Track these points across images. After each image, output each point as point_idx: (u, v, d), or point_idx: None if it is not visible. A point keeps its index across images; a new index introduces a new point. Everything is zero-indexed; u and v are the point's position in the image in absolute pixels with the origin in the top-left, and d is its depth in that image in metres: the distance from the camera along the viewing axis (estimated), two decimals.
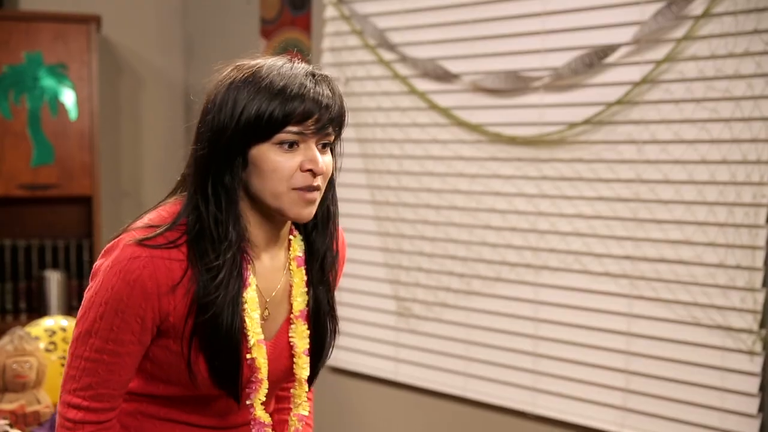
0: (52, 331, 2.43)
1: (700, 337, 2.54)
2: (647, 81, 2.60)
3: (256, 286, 1.42)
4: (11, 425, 1.94)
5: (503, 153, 2.98)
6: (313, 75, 1.37)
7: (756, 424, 2.44)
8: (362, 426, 3.51)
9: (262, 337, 1.42)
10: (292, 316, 1.48)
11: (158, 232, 1.36)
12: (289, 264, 1.48)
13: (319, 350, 1.51)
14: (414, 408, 3.25)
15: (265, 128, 1.33)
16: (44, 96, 3.68)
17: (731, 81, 2.45)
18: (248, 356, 1.41)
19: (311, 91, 1.34)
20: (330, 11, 3.45)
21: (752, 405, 2.45)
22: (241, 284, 1.39)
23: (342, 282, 1.67)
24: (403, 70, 3.23)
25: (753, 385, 2.44)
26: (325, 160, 1.38)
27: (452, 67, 3.09)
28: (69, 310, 3.70)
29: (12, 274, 3.76)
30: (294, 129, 1.34)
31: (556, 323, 2.87)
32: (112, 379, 1.38)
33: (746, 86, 2.43)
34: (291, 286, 1.48)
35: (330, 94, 1.37)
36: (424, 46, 3.18)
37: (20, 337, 2.17)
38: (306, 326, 1.48)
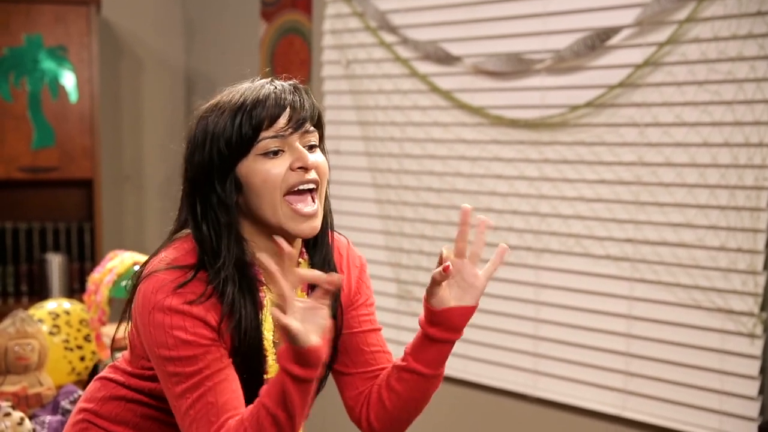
0: (55, 314, 2.43)
1: (700, 320, 2.55)
2: (649, 63, 2.59)
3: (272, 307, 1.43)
4: (13, 407, 1.95)
5: (505, 136, 2.97)
6: (272, 81, 1.40)
7: (756, 406, 2.45)
8: None
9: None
10: None
11: (184, 281, 1.37)
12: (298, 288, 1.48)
13: (325, 367, 1.50)
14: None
15: (240, 142, 1.35)
16: (44, 78, 3.67)
17: (734, 63, 2.44)
18: (266, 377, 1.43)
19: (272, 95, 1.37)
20: None
21: (752, 387, 2.45)
22: (257, 306, 1.40)
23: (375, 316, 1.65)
24: (404, 52, 3.22)
25: (753, 367, 2.45)
26: (316, 158, 1.39)
27: (453, 49, 3.08)
28: (70, 293, 3.70)
29: (13, 257, 3.76)
30: (269, 134, 1.36)
31: (557, 306, 2.87)
32: (227, 402, 1.37)
33: (749, 68, 2.42)
34: None
35: (293, 91, 1.39)
36: (425, 28, 3.17)
37: (22, 319, 2.17)
38: None
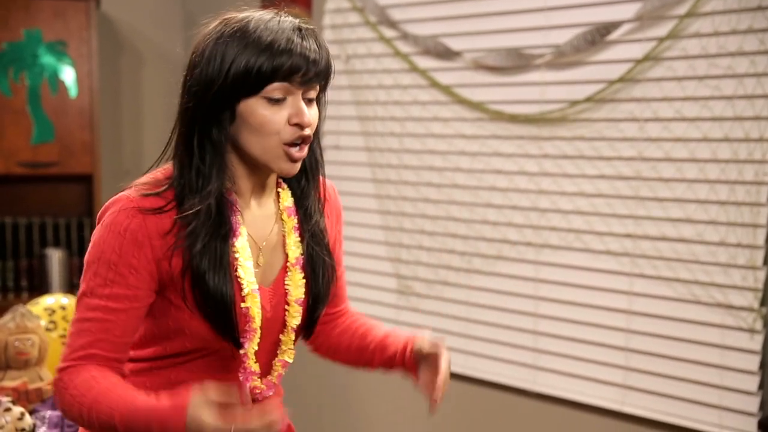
0: (51, 310, 2.43)
1: (700, 315, 2.55)
2: (649, 58, 2.59)
3: (248, 234, 1.45)
4: (14, 402, 1.95)
5: (504, 131, 2.97)
6: (300, 29, 1.39)
7: (756, 401, 2.45)
8: (362, 404, 3.52)
9: (255, 286, 1.44)
10: (288, 264, 1.49)
11: (147, 189, 1.39)
12: (281, 214, 1.50)
13: (315, 298, 1.51)
14: (412, 387, 3.26)
15: (253, 82, 1.35)
16: (44, 73, 3.67)
17: (734, 58, 2.44)
18: (242, 305, 1.42)
19: (298, 46, 1.36)
20: None
21: (752, 383, 2.45)
22: (229, 231, 1.40)
23: (343, 260, 1.68)
24: (404, 47, 3.22)
25: (753, 362, 2.45)
26: (311, 113, 1.40)
27: (453, 44, 3.07)
28: (70, 288, 3.70)
29: (13, 252, 3.76)
30: (280, 84, 1.36)
31: (556, 301, 2.87)
32: (106, 340, 1.37)
33: (749, 63, 2.41)
34: (284, 235, 1.49)
35: (317, 49, 1.39)
36: (425, 23, 3.17)
37: (22, 314, 2.17)
38: (302, 275, 1.49)
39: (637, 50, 2.62)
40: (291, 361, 1.53)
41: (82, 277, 1.40)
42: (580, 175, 2.79)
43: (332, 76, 1.44)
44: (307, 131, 1.40)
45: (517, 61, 2.89)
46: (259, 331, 1.45)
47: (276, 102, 1.37)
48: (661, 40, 2.56)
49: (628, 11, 2.62)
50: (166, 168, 1.45)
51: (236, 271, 1.41)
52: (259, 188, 1.48)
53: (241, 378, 1.47)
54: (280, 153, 1.39)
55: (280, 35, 1.35)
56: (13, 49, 3.64)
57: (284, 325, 1.50)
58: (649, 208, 2.64)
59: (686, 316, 2.58)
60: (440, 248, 3.18)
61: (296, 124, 1.38)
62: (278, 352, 1.52)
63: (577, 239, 2.81)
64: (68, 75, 3.69)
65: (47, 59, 3.67)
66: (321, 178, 1.56)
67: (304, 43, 1.37)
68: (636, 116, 2.64)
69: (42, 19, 3.67)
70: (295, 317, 1.49)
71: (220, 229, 1.39)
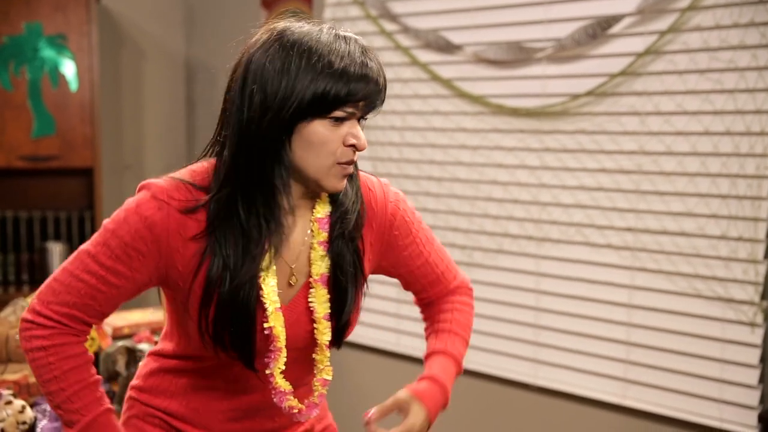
0: None
1: (701, 308, 2.55)
2: (651, 52, 2.58)
3: (277, 252, 1.40)
4: (15, 395, 1.95)
5: (505, 124, 2.96)
6: (365, 52, 1.37)
7: (756, 395, 2.45)
8: (364, 396, 3.52)
9: (278, 305, 1.40)
10: (311, 280, 1.45)
11: (184, 187, 1.37)
12: (312, 226, 1.45)
13: (339, 314, 1.48)
14: (415, 378, 3.26)
15: (326, 106, 1.33)
16: (44, 67, 3.66)
17: (735, 52, 2.44)
18: (266, 325, 1.39)
19: (371, 72, 1.35)
20: None
21: (753, 376, 2.45)
22: (262, 251, 1.38)
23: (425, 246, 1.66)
24: (405, 41, 3.21)
25: (754, 356, 2.45)
26: (365, 138, 1.40)
27: (454, 38, 3.07)
28: None
29: (14, 246, 3.76)
30: (348, 108, 1.35)
31: (557, 295, 2.87)
32: (91, 306, 1.39)
33: (751, 57, 2.41)
34: (311, 248, 1.45)
35: (383, 74, 1.38)
36: (426, 16, 3.16)
37: (23, 307, 2.17)
38: (326, 290, 1.46)
39: (639, 44, 2.61)
40: (329, 378, 1.50)
41: (94, 235, 1.41)
42: (581, 168, 2.79)
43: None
44: (359, 152, 1.40)
45: (518, 55, 2.89)
46: (284, 351, 1.42)
47: (338, 121, 1.35)
48: (662, 33, 2.56)
49: (629, 4, 2.62)
50: (205, 164, 1.42)
51: (260, 290, 1.39)
52: (301, 205, 1.44)
53: (275, 400, 1.45)
54: (335, 171, 1.38)
55: (352, 59, 1.34)
56: (14, 42, 3.63)
57: (315, 343, 1.47)
58: (650, 202, 2.64)
59: (687, 310, 2.58)
60: (441, 242, 3.16)
61: (352, 145, 1.38)
62: (315, 371, 1.50)
63: (578, 233, 2.80)
64: (69, 69, 3.68)
65: (48, 53, 3.66)
66: (367, 189, 1.53)
67: (374, 66, 1.36)
68: (637, 110, 2.64)
69: (42, 12, 3.66)
70: (325, 334, 1.46)
71: (250, 246, 1.37)
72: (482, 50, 2.98)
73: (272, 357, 1.41)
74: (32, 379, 2.13)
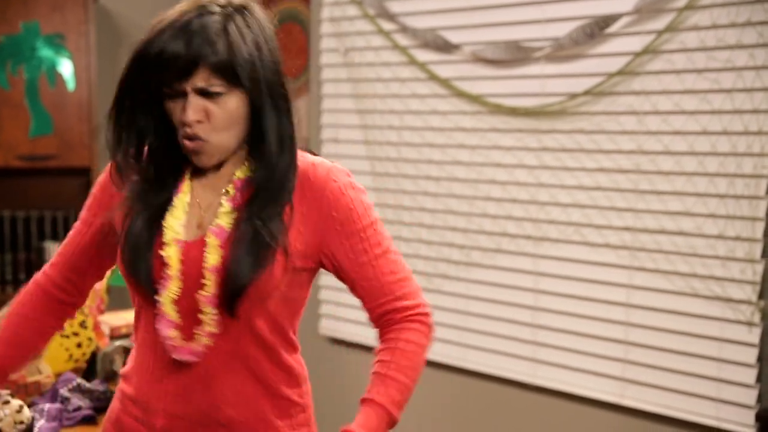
0: None
1: (699, 308, 2.55)
2: (648, 51, 2.59)
3: (193, 196, 1.49)
4: (12, 395, 1.95)
5: (504, 124, 2.97)
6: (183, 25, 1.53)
7: (754, 394, 2.45)
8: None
9: (178, 236, 1.45)
10: (209, 229, 1.46)
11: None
12: (228, 185, 1.49)
13: (229, 275, 1.44)
14: None
15: (153, 90, 1.47)
16: (42, 66, 3.66)
17: (733, 51, 2.44)
18: (160, 251, 1.44)
19: (166, 49, 1.49)
20: None
21: (750, 375, 2.46)
22: (170, 193, 1.49)
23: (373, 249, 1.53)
24: (402, 40, 3.21)
25: (751, 355, 2.45)
26: (193, 113, 1.40)
27: (452, 37, 3.07)
28: None
29: (11, 245, 3.76)
30: (168, 89, 1.43)
31: (555, 294, 2.87)
32: (63, 252, 1.63)
33: (748, 56, 2.41)
34: (220, 204, 1.47)
35: (183, 45, 1.46)
36: (424, 16, 3.16)
37: None
38: (219, 244, 1.44)
39: (636, 43, 2.61)
40: (214, 331, 1.46)
41: None
42: (579, 168, 2.79)
43: (236, 56, 1.46)
44: (196, 129, 1.41)
45: (516, 54, 2.89)
46: (177, 281, 1.44)
47: (178, 99, 1.46)
48: (659, 33, 2.56)
49: (626, 4, 2.62)
50: None
51: (162, 220, 1.47)
52: (231, 160, 1.49)
53: (157, 326, 1.46)
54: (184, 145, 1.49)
55: (156, 44, 1.62)
56: (11, 42, 3.63)
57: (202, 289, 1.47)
58: (648, 201, 2.64)
59: (685, 309, 2.58)
60: (439, 241, 3.18)
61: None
62: (201, 320, 1.47)
63: (576, 232, 2.81)
64: (66, 68, 3.68)
65: (45, 52, 3.66)
66: (310, 163, 1.49)
67: (174, 41, 1.54)
68: (635, 109, 2.64)
69: (40, 12, 3.66)
70: (208, 284, 1.44)
71: (168, 179, 1.49)
72: (480, 50, 2.98)
73: (163, 284, 1.44)
74: (30, 379, 2.12)
